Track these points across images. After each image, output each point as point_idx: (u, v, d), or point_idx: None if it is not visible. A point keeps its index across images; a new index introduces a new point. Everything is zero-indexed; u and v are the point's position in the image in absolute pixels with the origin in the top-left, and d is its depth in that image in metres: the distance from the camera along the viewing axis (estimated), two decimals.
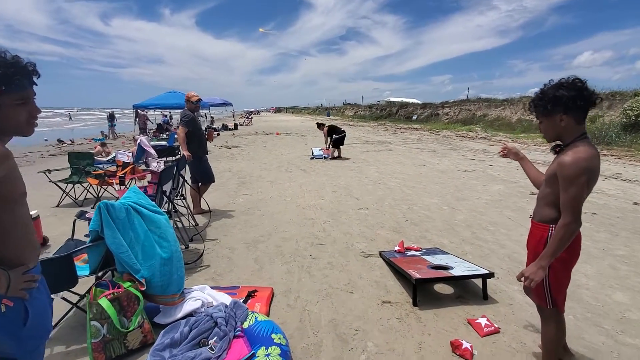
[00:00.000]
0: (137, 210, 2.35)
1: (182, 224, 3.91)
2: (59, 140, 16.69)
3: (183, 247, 3.62)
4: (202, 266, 3.24)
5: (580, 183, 1.47)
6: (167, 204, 3.48)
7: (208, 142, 5.39)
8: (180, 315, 2.30)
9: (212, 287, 2.75)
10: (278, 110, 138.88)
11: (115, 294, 2.01)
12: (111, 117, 22.12)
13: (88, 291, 2.17)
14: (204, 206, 4.91)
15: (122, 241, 2.17)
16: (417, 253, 3.23)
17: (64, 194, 5.29)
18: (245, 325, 2.06)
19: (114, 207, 2.20)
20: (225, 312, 2.04)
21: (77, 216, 2.90)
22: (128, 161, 5.77)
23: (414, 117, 29.12)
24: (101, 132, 19.54)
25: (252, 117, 38.78)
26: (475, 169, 7.96)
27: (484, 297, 2.60)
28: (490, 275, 2.62)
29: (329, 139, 10.19)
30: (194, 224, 4.38)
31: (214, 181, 4.92)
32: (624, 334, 2.22)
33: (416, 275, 2.55)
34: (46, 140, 17.56)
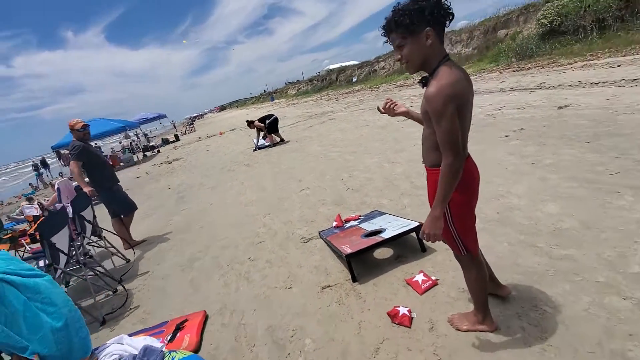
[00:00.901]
0: (7, 280, 1.94)
1: (103, 269, 3.49)
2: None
3: (110, 292, 3.23)
4: (130, 309, 2.89)
5: (448, 114, 1.27)
6: (73, 255, 3.04)
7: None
8: (154, 347, 1.98)
9: (137, 332, 2.44)
10: (222, 108, 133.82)
11: None
12: (36, 167, 20.20)
13: None
14: (134, 237, 4.47)
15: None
16: (355, 222, 3.06)
17: None
18: None
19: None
20: None
21: None
22: (38, 214, 5.11)
23: (354, 80, 28.93)
24: (30, 184, 17.75)
25: (194, 124, 36.98)
26: None
27: (421, 249, 2.48)
28: (421, 226, 2.48)
29: (263, 127, 9.72)
30: (125, 261, 3.97)
31: (135, 208, 4.44)
32: (558, 247, 2.18)
33: (347, 250, 2.36)
34: None
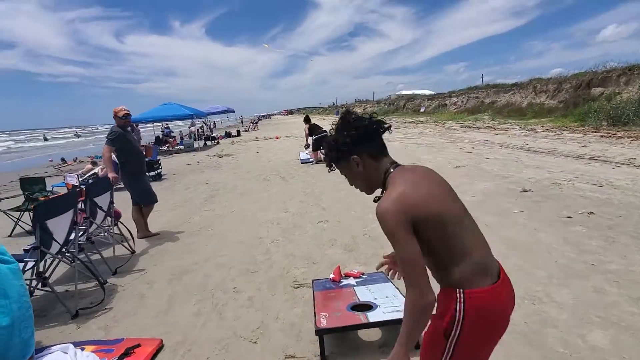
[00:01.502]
0: None
1: (102, 257, 3.51)
2: (62, 160, 16.90)
3: (100, 283, 3.21)
4: (105, 309, 2.81)
5: (398, 237, 0.98)
6: (71, 241, 3.08)
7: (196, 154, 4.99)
8: None
9: (90, 342, 2.31)
10: (290, 112, 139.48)
11: None
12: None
13: None
14: (151, 228, 4.53)
15: None
16: (354, 282, 2.67)
17: (16, 223, 5.02)
18: None
19: None
20: None
21: None
22: (77, 184, 5.45)
23: (422, 110, 28.05)
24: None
25: (257, 123, 38.71)
26: (468, 164, 7.23)
27: (415, 346, 2.03)
28: None
29: (310, 138, 9.66)
30: (130, 252, 3.98)
31: (156, 201, 4.50)
32: None
33: (322, 322, 2.01)
34: (50, 160, 17.89)
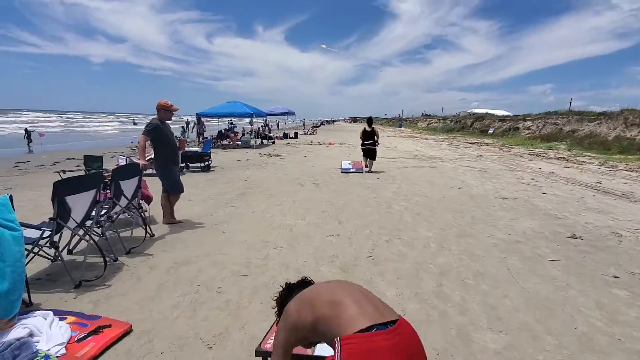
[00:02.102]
0: None
1: (118, 236, 3.82)
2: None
3: (110, 259, 3.49)
4: (103, 285, 3.03)
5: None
6: (92, 217, 3.39)
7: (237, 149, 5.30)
8: (27, 339, 2.07)
9: (72, 313, 2.50)
10: (354, 120, 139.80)
11: None
12: (187, 124, 24.61)
13: None
14: (177, 216, 4.82)
15: None
16: None
17: None
18: None
19: None
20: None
21: None
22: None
23: (490, 131, 26.04)
24: (175, 136, 21.77)
25: (318, 127, 39.41)
26: (519, 197, 6.48)
27: None
28: None
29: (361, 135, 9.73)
30: (149, 235, 4.27)
31: (182, 191, 4.78)
32: None
33: (266, 345, 1.91)
34: (131, 142, 20.17)
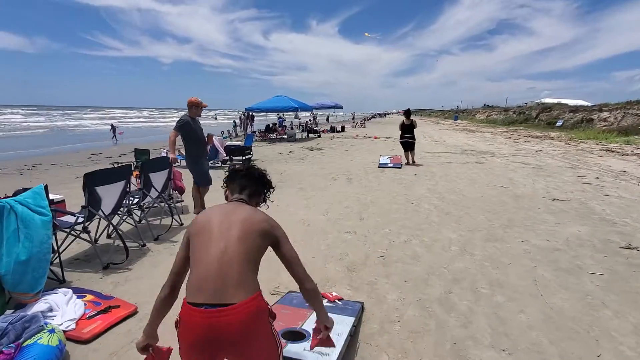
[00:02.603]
0: (15, 209, 2.55)
1: (147, 224, 4.14)
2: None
3: (139, 245, 3.81)
4: (126, 268, 3.32)
5: None
6: (122, 206, 3.72)
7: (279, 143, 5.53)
8: (36, 313, 2.38)
9: (90, 291, 2.78)
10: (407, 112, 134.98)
11: None
12: (240, 119, 25.72)
13: None
14: (207, 207, 5.10)
15: None
16: (325, 303, 2.47)
17: None
18: (27, 343, 1.96)
19: None
20: (6, 326, 1.99)
21: None
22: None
23: (559, 123, 23.37)
24: (227, 130, 22.95)
25: (368, 120, 38.78)
26: (573, 198, 5.75)
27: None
28: None
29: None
30: (178, 224, 4.58)
31: (210, 183, 5.02)
32: None
33: None
34: None
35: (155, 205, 4.56)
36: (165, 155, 7.40)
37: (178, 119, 4.74)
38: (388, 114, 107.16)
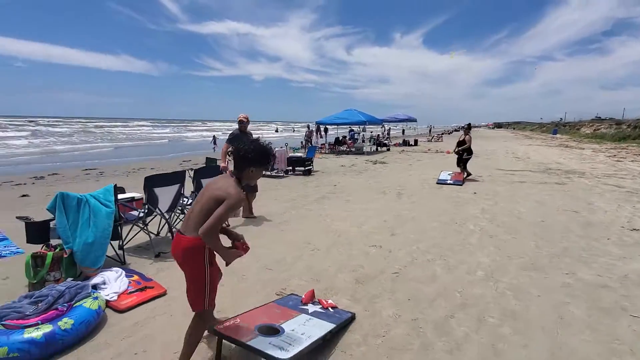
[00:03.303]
0: (89, 202, 3.31)
1: None
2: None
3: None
4: (172, 259, 3.93)
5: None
6: (176, 205, 4.42)
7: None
8: (88, 283, 3.04)
9: (137, 273, 3.40)
10: (498, 125, 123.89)
11: (39, 256, 3.00)
12: (312, 130, 26.79)
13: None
14: (254, 212, 5.66)
15: (63, 221, 3.16)
16: (313, 309, 2.65)
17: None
18: (76, 304, 2.56)
19: (68, 196, 3.23)
20: (67, 289, 2.62)
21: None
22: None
23: None
24: (301, 142, 24.22)
25: (448, 134, 36.72)
26: None
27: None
28: None
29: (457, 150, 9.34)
30: (225, 224, 5.17)
31: (255, 190, 5.55)
32: None
33: (220, 325, 2.22)
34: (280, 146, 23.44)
35: None
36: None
37: (230, 133, 5.39)
38: (476, 127, 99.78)
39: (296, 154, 11.84)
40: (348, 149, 19.03)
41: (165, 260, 3.87)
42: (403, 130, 43.27)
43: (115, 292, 2.96)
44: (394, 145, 23.88)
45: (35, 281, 2.95)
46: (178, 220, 4.73)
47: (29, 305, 2.53)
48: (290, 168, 10.76)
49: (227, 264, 2.08)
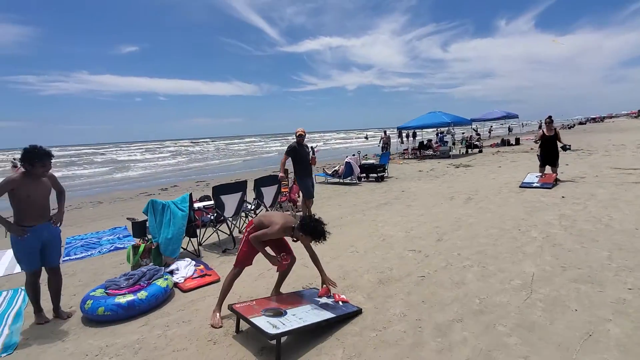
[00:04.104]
0: (170, 207, 4.32)
1: None
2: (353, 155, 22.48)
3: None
4: (233, 254, 4.73)
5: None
6: (239, 210, 5.25)
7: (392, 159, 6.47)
8: (162, 268, 3.97)
9: (203, 264, 4.24)
10: None
11: (136, 246, 4.07)
12: (406, 136, 26.23)
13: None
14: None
15: (152, 221, 4.21)
16: (323, 301, 2.98)
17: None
18: (152, 282, 3.45)
19: (156, 202, 4.29)
20: (147, 270, 3.55)
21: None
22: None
23: None
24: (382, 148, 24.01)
25: (562, 128, 31.34)
26: None
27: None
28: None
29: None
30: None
31: (312, 197, 6.07)
32: None
33: (237, 305, 2.75)
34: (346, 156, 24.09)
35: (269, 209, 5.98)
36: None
37: (288, 146, 6.07)
38: (612, 117, 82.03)
39: (369, 160, 12.01)
40: (433, 153, 18.20)
41: (228, 255, 4.68)
42: (509, 128, 38.71)
43: (182, 277, 3.82)
44: (491, 146, 21.74)
45: (132, 265, 4.02)
46: (243, 223, 5.57)
47: (124, 280, 3.52)
48: (364, 175, 11.03)
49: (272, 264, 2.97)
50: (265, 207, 5.73)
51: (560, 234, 4.52)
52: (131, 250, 4.08)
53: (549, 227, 4.84)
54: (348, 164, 10.47)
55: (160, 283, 3.42)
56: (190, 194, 4.67)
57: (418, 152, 18.73)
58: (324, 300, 3.01)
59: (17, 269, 4.55)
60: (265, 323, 2.47)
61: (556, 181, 8.00)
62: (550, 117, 8.40)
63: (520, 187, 7.86)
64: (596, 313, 2.66)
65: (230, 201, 5.06)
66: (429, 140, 19.93)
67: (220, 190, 4.90)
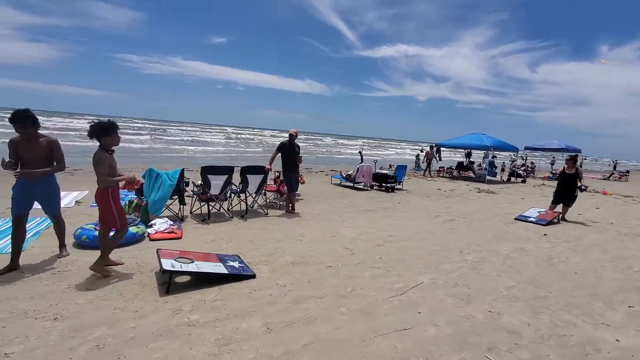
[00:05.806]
0: (162, 176, 5.48)
1: (246, 207, 6.51)
2: (390, 166, 22.49)
3: (228, 216, 6.24)
4: (207, 224, 5.76)
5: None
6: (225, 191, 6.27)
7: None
8: (138, 219, 5.14)
9: (178, 225, 5.32)
10: None
11: (131, 202, 5.29)
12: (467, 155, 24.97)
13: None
14: (296, 209, 7.02)
15: (147, 185, 5.41)
16: (235, 264, 3.79)
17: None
18: (130, 227, 4.59)
19: (152, 170, 5.48)
20: (131, 220, 4.70)
21: None
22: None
23: None
24: (416, 162, 23.49)
25: (630, 172, 27.38)
26: None
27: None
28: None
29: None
30: (265, 213, 6.74)
31: (294, 191, 6.89)
32: None
33: (166, 250, 3.69)
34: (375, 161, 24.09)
35: (256, 199, 6.93)
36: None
37: (279, 141, 6.93)
38: None
39: (382, 170, 12.33)
40: (472, 175, 17.61)
41: (203, 224, 5.71)
42: (580, 163, 34.91)
43: (155, 230, 4.92)
44: (543, 178, 20.22)
45: (128, 214, 5.24)
46: (229, 202, 6.59)
47: None
48: (378, 184, 11.43)
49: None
50: (249, 193, 6.68)
51: (494, 262, 4.72)
52: (127, 204, 5.32)
53: (492, 255, 5.02)
54: (357, 170, 11.01)
55: (132, 229, 4.54)
56: (182, 169, 5.80)
57: (456, 172, 18.27)
58: (232, 262, 3.82)
59: (67, 204, 6.12)
60: (169, 263, 3.38)
61: (559, 219, 7.72)
62: (573, 155, 8.12)
63: (515, 219, 7.74)
64: (434, 319, 3.08)
65: (216, 182, 6.09)
66: (471, 162, 19.17)
67: (207, 171, 5.96)
